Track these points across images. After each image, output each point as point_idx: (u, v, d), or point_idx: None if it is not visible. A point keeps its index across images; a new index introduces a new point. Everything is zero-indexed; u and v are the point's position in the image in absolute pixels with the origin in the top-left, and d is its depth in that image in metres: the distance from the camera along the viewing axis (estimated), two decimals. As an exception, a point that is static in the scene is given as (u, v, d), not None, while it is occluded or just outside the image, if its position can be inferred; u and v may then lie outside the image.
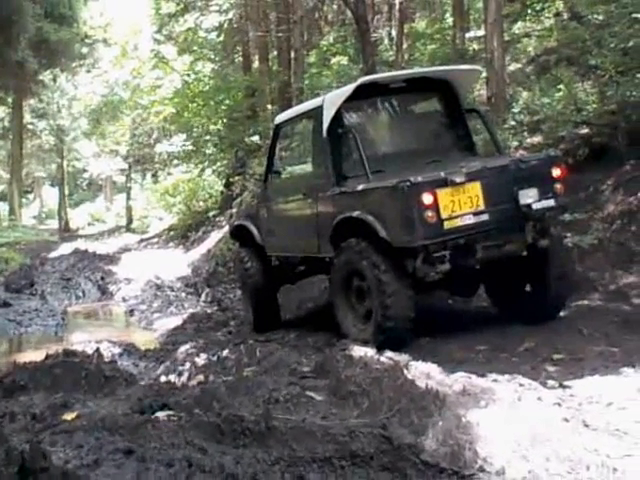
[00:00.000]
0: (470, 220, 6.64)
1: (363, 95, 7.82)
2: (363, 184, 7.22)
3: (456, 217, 6.58)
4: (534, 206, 6.82)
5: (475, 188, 6.70)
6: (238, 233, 9.98)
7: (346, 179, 7.63)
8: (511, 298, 7.74)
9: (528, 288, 7.55)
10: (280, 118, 9.41)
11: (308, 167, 8.59)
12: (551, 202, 6.94)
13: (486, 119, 8.75)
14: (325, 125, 7.76)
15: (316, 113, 8.08)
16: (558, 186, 7.03)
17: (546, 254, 7.15)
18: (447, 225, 6.55)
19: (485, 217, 6.71)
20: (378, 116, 8.62)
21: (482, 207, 6.70)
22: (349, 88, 7.81)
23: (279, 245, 8.97)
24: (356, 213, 7.05)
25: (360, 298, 7.20)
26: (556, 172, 7.06)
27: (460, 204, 6.62)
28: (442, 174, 6.68)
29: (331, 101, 7.89)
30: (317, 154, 8.16)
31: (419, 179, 6.53)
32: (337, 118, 7.76)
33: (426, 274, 6.68)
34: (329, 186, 7.69)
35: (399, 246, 6.68)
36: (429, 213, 6.44)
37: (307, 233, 8.10)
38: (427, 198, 6.43)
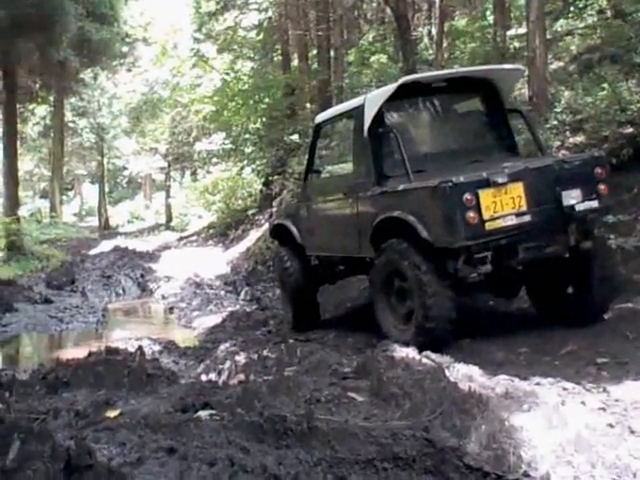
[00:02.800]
0: (512, 221, 6.56)
1: (405, 95, 7.79)
2: (404, 184, 7.15)
3: (498, 218, 6.50)
4: (577, 207, 6.72)
5: (518, 189, 6.61)
6: (278, 232, 9.98)
7: (387, 179, 7.58)
8: (553, 300, 7.60)
9: (570, 290, 7.39)
10: (320, 117, 9.42)
11: (349, 166, 8.53)
12: (594, 203, 6.81)
13: (528, 119, 8.63)
14: (366, 125, 7.72)
15: (357, 113, 8.05)
16: (602, 187, 6.90)
17: (589, 256, 7.03)
18: (489, 226, 6.48)
19: (527, 218, 6.62)
20: (420, 116, 8.49)
21: (524, 208, 6.61)
22: (391, 88, 7.76)
23: (319, 245, 8.95)
24: (397, 213, 7.00)
25: (401, 299, 7.14)
26: (599, 173, 6.94)
27: (502, 205, 6.54)
28: (484, 174, 6.62)
29: (372, 101, 7.83)
30: (358, 154, 8.12)
31: (461, 179, 6.47)
32: (378, 118, 7.71)
33: (467, 275, 6.62)
34: (370, 186, 7.65)
35: (440, 247, 6.60)
36: (471, 214, 6.37)
37: (347, 233, 8.08)
38: (469, 198, 6.38)
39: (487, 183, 6.52)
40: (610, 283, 7.22)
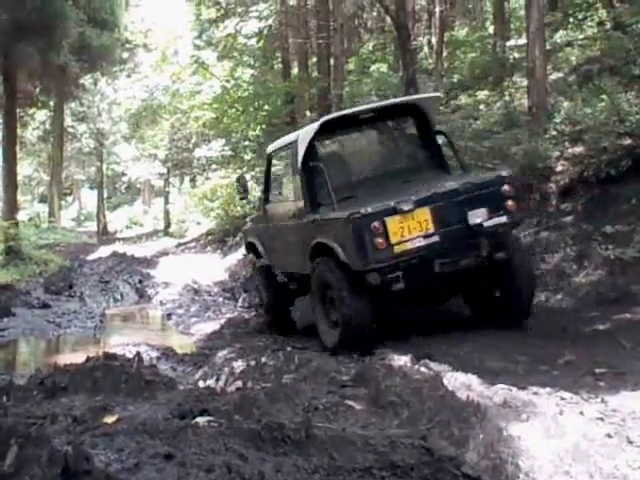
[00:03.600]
0: (420, 242, 7.29)
1: (335, 128, 8.70)
2: (329, 213, 8.03)
3: (406, 241, 7.24)
4: (485, 224, 7.43)
5: (424, 213, 7.31)
6: (251, 249, 10.77)
7: (319, 207, 8.41)
8: (484, 304, 8.32)
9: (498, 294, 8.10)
10: (271, 147, 10.33)
11: (292, 194, 9.19)
12: (503, 219, 7.51)
13: (450, 139, 9.32)
14: (299, 158, 8.54)
15: (293, 147, 8.87)
16: (509, 203, 7.56)
17: (507, 264, 7.73)
18: (397, 249, 7.23)
19: (436, 238, 7.33)
20: (350, 146, 9.30)
21: (432, 230, 7.31)
22: (314, 127, 8.58)
23: (280, 262, 9.73)
24: (323, 239, 7.88)
25: (331, 308, 7.87)
26: (507, 190, 7.59)
27: (409, 229, 7.27)
28: (392, 203, 7.31)
29: (303, 137, 8.64)
30: (295, 184, 8.94)
31: (369, 210, 7.22)
32: (309, 151, 8.49)
33: (387, 290, 7.33)
34: (306, 213, 8.52)
35: (355, 269, 7.38)
36: (379, 240, 7.14)
37: (296, 252, 8.85)
38: (376, 226, 7.14)
39: (394, 211, 7.23)
40: (530, 288, 8.00)
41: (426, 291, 8.07)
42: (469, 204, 7.43)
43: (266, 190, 10.13)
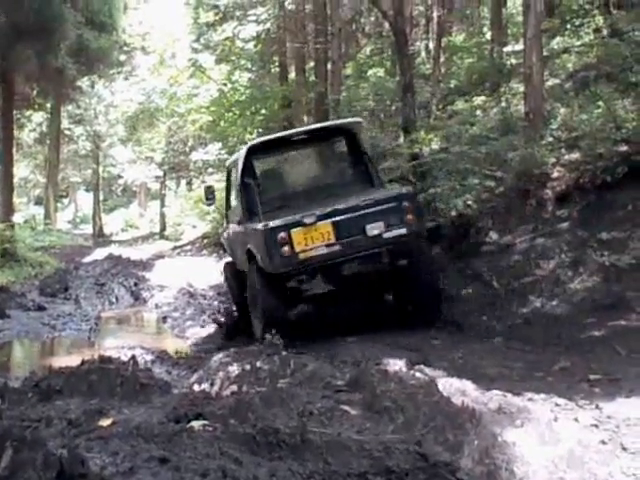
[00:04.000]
0: (323, 251, 8.42)
1: (270, 148, 10.01)
2: (255, 223, 9.07)
3: (310, 249, 8.37)
4: (385, 235, 8.49)
5: (327, 226, 8.42)
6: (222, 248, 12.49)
7: (252, 217, 9.49)
8: (404, 303, 9.38)
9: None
10: (228, 162, 11.69)
11: (238, 204, 10.38)
12: (402, 230, 8.55)
13: (371, 159, 10.24)
14: (239, 174, 9.84)
15: (237, 164, 10.09)
16: (409, 217, 8.58)
17: (410, 271, 8.83)
18: (302, 256, 8.40)
19: (337, 247, 8.44)
20: (285, 164, 10.57)
21: (333, 240, 8.41)
22: (243, 151, 9.97)
23: (237, 262, 10.86)
24: (249, 245, 9.14)
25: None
26: (406, 206, 8.60)
27: (313, 239, 8.39)
28: (297, 217, 8.50)
29: (241, 155, 9.95)
30: (237, 195, 10.30)
31: (277, 223, 8.47)
32: (246, 169, 9.76)
33: (300, 291, 8.85)
34: (244, 222, 9.78)
35: (268, 272, 8.67)
36: (285, 248, 8.33)
37: (241, 254, 9.92)
38: (283, 237, 8.35)
39: (298, 224, 8.40)
40: (434, 290, 9.10)
41: (337, 292, 9.11)
42: (368, 218, 8.47)
43: (227, 198, 11.46)
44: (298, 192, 9.89)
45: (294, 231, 8.36)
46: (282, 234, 8.35)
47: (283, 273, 8.59)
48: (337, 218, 8.44)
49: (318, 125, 10.81)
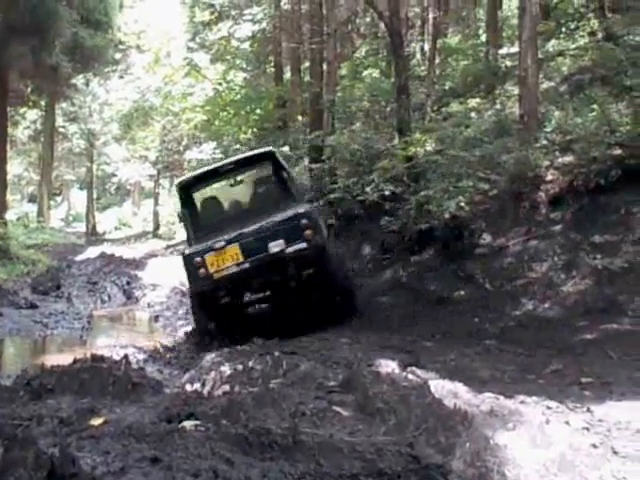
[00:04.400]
0: (234, 269, 9.59)
1: (203, 178, 11.13)
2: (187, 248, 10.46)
3: (222, 270, 9.59)
4: (287, 250, 9.57)
5: (234, 248, 9.60)
6: None
7: (188, 242, 10.89)
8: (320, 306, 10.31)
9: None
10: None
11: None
12: (302, 245, 9.59)
13: (289, 177, 11.09)
14: (179, 202, 11.13)
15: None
16: (307, 233, 9.59)
17: (318, 278, 9.94)
18: (216, 276, 9.62)
19: (246, 265, 9.59)
20: (217, 191, 11.92)
21: (241, 259, 9.59)
22: (177, 186, 11.45)
23: None
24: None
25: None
26: (305, 223, 9.63)
27: (224, 261, 9.60)
28: (209, 243, 9.75)
29: (176, 190, 11.47)
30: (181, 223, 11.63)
31: (192, 250, 9.94)
32: (184, 200, 10.98)
33: (225, 304, 10.07)
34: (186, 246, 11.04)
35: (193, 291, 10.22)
36: (202, 270, 9.62)
37: None
38: (198, 261, 9.66)
39: (211, 249, 9.64)
40: (339, 292, 10.17)
41: (254, 301, 10.72)
42: (270, 237, 9.62)
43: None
44: (230, 217, 10.95)
45: (207, 255, 9.66)
46: (197, 259, 9.70)
47: (205, 291, 9.93)
48: (242, 241, 9.67)
49: (242, 155, 12.02)
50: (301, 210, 9.95)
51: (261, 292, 10.52)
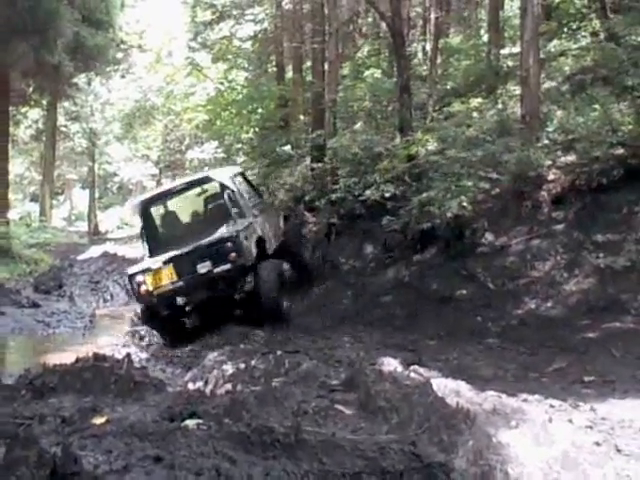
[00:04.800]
0: (171, 287, 10.86)
1: (158, 198, 12.55)
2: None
3: (160, 287, 10.86)
4: (215, 271, 10.77)
5: (170, 268, 10.87)
6: None
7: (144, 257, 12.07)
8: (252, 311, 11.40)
9: None
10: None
11: None
12: (227, 266, 10.76)
13: (231, 197, 11.94)
14: (139, 220, 12.50)
15: None
16: (232, 255, 10.73)
17: (252, 290, 11.19)
18: (156, 292, 10.88)
19: (180, 283, 10.83)
20: (172, 210, 12.89)
21: (176, 278, 10.84)
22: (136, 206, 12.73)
23: None
24: None
25: None
26: (228, 247, 10.76)
27: (162, 279, 10.88)
28: (147, 265, 11.16)
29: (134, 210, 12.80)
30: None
31: (133, 270, 11.26)
32: (143, 218, 12.35)
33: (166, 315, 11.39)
34: None
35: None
36: (143, 287, 10.94)
37: None
38: (140, 280, 10.96)
39: (149, 270, 10.98)
40: (265, 301, 11.04)
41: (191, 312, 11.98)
42: (199, 259, 10.81)
43: None
44: (181, 234, 12.13)
45: (147, 275, 10.95)
46: (139, 278, 10.99)
47: (147, 305, 11.37)
48: (176, 262, 10.89)
49: (193, 177, 13.64)
50: (226, 235, 11.09)
51: (196, 305, 11.71)
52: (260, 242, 11.82)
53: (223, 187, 12.04)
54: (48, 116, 34.85)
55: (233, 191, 12.04)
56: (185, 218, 13.04)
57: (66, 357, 6.66)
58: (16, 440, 3.04)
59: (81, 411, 4.22)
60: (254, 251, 11.40)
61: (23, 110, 31.82)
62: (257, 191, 14.40)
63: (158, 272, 10.89)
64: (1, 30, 18.61)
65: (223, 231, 11.21)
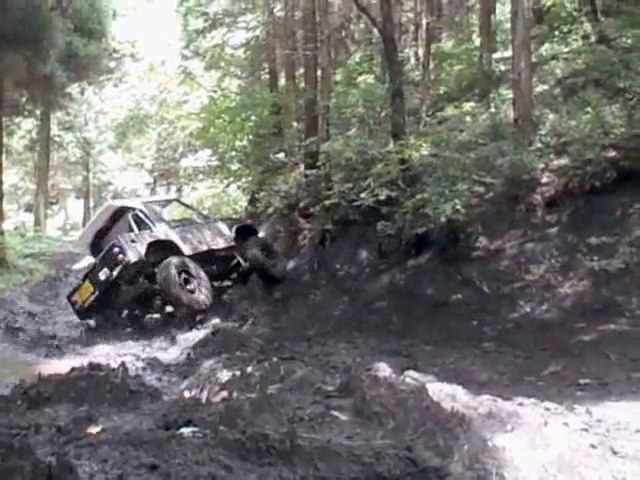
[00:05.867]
0: (92, 297, 13.06)
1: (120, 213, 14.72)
2: None
3: (86, 299, 13.13)
4: (113, 275, 12.82)
5: (87, 283, 13.23)
6: None
7: None
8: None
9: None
10: None
11: None
12: (114, 273, 12.83)
13: (142, 214, 14.20)
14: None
15: None
16: (119, 257, 12.73)
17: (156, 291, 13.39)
18: (85, 304, 13.17)
19: (97, 292, 13.01)
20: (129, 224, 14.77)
21: (92, 289, 13.07)
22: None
23: None
24: None
25: None
26: (116, 252, 12.77)
27: (86, 292, 13.15)
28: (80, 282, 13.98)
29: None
30: None
31: (70, 290, 14.08)
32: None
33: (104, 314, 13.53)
34: None
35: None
36: (76, 299, 13.32)
37: None
38: (73, 295, 13.51)
39: (75, 288, 13.68)
40: (174, 300, 13.03)
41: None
42: (99, 269, 13.05)
43: None
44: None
45: (77, 291, 13.42)
46: (72, 297, 13.48)
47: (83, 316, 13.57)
48: (89, 275, 13.31)
49: (112, 207, 15.43)
50: (116, 249, 12.94)
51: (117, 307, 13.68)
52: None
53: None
54: (42, 126, 34.83)
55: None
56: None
57: (61, 367, 6.65)
58: (12, 450, 3.05)
59: (76, 420, 4.21)
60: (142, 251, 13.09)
61: (17, 120, 31.82)
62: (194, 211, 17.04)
63: (82, 286, 13.34)
64: (-7, 40, 18.60)
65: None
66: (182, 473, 3.18)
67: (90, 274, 13.20)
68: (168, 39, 33.83)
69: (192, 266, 13.30)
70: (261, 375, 5.91)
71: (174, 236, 13.90)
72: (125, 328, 13.26)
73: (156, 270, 12.92)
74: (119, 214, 14.57)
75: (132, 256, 12.81)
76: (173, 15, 31.15)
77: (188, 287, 12.92)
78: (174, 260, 12.94)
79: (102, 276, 12.81)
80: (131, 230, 13.88)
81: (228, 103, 23.53)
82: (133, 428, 3.89)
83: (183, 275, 12.94)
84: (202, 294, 13.11)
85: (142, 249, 13.04)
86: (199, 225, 15.05)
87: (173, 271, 12.69)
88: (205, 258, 14.05)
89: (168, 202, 17.99)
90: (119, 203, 15.59)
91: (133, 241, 13.10)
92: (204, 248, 14.36)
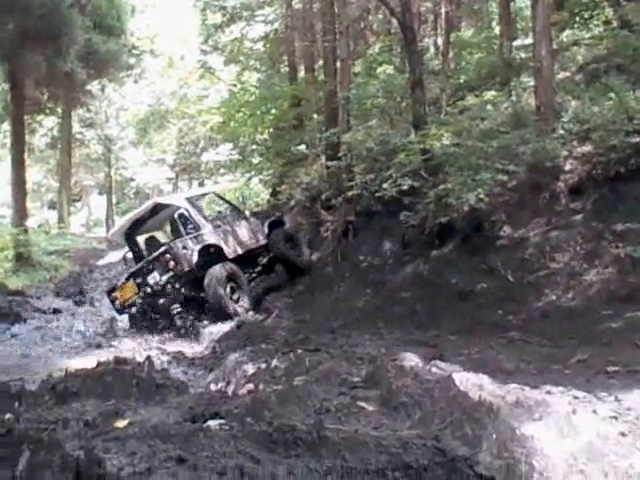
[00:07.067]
0: (134, 298, 13.09)
1: (137, 225, 14.74)
2: None
3: (127, 300, 13.24)
4: (163, 279, 12.79)
5: (131, 283, 13.28)
6: None
7: None
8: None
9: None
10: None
11: None
12: (170, 274, 12.79)
13: (187, 213, 14.16)
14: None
15: None
16: (171, 264, 12.80)
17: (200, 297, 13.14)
18: (125, 302, 13.27)
19: (141, 294, 13.05)
20: (149, 232, 15.45)
21: (137, 290, 13.12)
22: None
23: None
24: None
25: None
26: (166, 258, 12.89)
27: (128, 292, 13.25)
28: (115, 282, 14.71)
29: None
30: None
31: (110, 287, 14.37)
32: (128, 243, 14.97)
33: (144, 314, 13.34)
34: None
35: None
36: (118, 300, 13.42)
37: None
38: (114, 295, 13.49)
39: (116, 286, 13.78)
40: (216, 304, 12.85)
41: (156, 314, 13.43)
42: (147, 272, 13.06)
43: None
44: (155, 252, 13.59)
45: (117, 290, 13.47)
46: (113, 293, 13.55)
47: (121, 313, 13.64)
48: (134, 278, 13.22)
49: (154, 202, 15.52)
50: (163, 248, 13.20)
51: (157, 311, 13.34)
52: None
53: (176, 207, 14.66)
54: (63, 123, 35.06)
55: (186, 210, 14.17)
56: (160, 237, 15.58)
57: (88, 362, 6.69)
58: (40, 445, 3.05)
59: (103, 414, 4.23)
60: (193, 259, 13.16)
61: (38, 118, 32.08)
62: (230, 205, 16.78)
63: (124, 287, 13.40)
64: (14, 39, 18.73)
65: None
66: (210, 465, 3.18)
67: (136, 275, 13.22)
68: (187, 34, 33.90)
69: (238, 274, 13.45)
70: (286, 367, 5.92)
71: (219, 239, 13.96)
72: (157, 326, 13.13)
73: (203, 275, 12.91)
74: (159, 208, 14.66)
75: (185, 265, 12.93)
76: (191, 10, 31.23)
77: (233, 296, 13.04)
78: (223, 272, 13.01)
79: (150, 280, 12.87)
80: (175, 230, 14.41)
81: (248, 97, 23.52)
82: (160, 421, 3.89)
83: (230, 284, 13.10)
84: (245, 303, 13.15)
85: (194, 257, 13.11)
86: (235, 222, 14.99)
87: (223, 284, 12.84)
88: (244, 259, 14.23)
89: (205, 195, 18.64)
90: (162, 200, 15.73)
91: (185, 247, 13.17)
92: (244, 249, 14.47)
